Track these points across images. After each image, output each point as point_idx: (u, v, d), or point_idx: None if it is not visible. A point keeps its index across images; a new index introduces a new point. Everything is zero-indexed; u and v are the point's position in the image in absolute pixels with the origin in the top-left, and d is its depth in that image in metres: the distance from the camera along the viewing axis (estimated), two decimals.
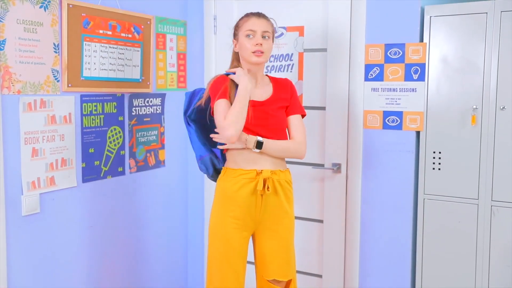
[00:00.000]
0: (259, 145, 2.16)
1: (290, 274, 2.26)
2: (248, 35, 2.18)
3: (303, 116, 2.32)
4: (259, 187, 2.15)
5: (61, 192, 2.45)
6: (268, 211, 2.21)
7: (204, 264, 3.30)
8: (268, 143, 2.17)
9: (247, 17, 2.24)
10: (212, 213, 2.27)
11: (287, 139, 2.27)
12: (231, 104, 2.13)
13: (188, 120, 2.39)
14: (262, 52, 2.17)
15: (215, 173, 2.38)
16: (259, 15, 2.25)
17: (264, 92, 2.26)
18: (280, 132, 2.25)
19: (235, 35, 2.27)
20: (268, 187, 2.16)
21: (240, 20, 2.27)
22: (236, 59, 2.31)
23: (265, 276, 2.26)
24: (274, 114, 2.22)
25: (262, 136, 2.18)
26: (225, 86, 2.17)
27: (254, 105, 2.18)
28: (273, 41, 2.28)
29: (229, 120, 2.07)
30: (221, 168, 2.32)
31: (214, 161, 2.37)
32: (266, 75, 2.36)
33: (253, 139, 2.16)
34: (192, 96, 2.39)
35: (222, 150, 2.30)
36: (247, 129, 2.16)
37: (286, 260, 2.25)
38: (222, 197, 2.23)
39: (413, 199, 2.71)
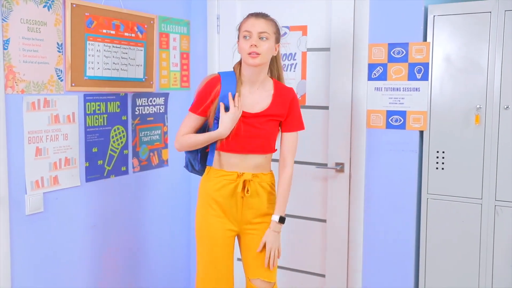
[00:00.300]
0: (282, 220, 2.23)
1: (273, 276, 2.26)
2: (245, 36, 2.13)
3: (302, 129, 2.28)
4: (238, 189, 2.19)
5: (64, 191, 2.46)
6: (249, 213, 2.24)
7: None
8: (283, 209, 2.24)
9: (247, 17, 2.18)
10: (197, 212, 2.31)
11: (272, 148, 2.25)
12: (204, 119, 2.21)
13: None
14: (257, 54, 2.09)
15: (194, 170, 2.41)
16: (257, 15, 2.17)
17: (260, 101, 2.20)
18: (267, 144, 2.23)
19: (237, 36, 2.23)
20: (247, 190, 2.19)
21: (241, 21, 2.23)
22: (239, 61, 2.27)
23: (248, 276, 2.27)
24: (262, 128, 2.18)
25: (249, 148, 2.18)
26: (210, 101, 2.17)
27: (244, 116, 2.16)
28: (277, 42, 2.20)
29: (184, 142, 2.22)
30: (199, 169, 2.35)
31: (192, 162, 2.37)
32: (272, 78, 2.27)
33: (276, 218, 2.21)
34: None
35: (204, 149, 2.30)
36: (237, 135, 2.16)
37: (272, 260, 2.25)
38: (204, 195, 2.26)
39: (417, 198, 2.70)
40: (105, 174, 2.67)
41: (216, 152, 2.24)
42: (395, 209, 2.71)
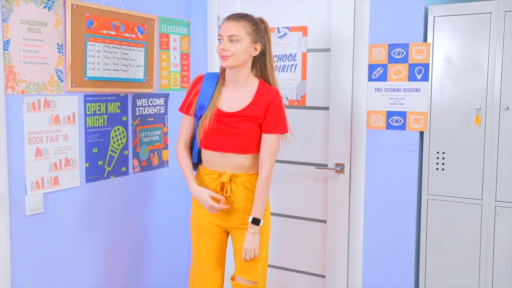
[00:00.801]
0: (256, 221, 2.22)
1: (254, 275, 2.27)
2: (218, 39, 2.18)
3: (283, 132, 2.27)
4: (217, 188, 2.25)
5: (64, 192, 2.46)
6: (235, 211, 2.28)
7: None
8: (259, 211, 2.22)
9: (225, 20, 2.20)
10: (191, 208, 2.42)
11: (254, 148, 2.25)
12: (192, 124, 2.30)
13: None
14: (227, 56, 2.12)
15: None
16: (230, 18, 2.18)
17: (240, 102, 2.22)
18: (245, 144, 2.23)
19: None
20: (226, 191, 2.23)
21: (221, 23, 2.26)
22: None
23: (234, 273, 2.32)
24: (237, 127, 2.20)
25: (225, 147, 2.22)
26: (191, 98, 2.27)
27: (218, 115, 2.20)
28: (255, 42, 2.18)
29: (177, 157, 2.35)
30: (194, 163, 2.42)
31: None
32: (259, 80, 2.28)
33: (249, 219, 2.23)
34: None
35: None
36: (211, 133, 2.21)
37: (250, 260, 2.26)
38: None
39: (417, 199, 2.70)
40: (105, 175, 2.67)
41: (201, 150, 2.33)
42: (395, 210, 2.71)
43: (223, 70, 2.28)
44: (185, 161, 2.34)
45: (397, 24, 2.65)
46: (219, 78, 2.28)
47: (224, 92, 2.25)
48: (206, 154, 2.30)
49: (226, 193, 2.23)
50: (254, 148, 2.25)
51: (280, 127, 2.24)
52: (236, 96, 2.24)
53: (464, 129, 2.61)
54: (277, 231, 3.07)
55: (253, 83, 2.26)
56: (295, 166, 3.00)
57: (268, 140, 2.23)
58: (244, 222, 2.26)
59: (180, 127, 2.36)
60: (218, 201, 2.21)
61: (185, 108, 2.31)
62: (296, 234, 3.03)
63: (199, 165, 2.37)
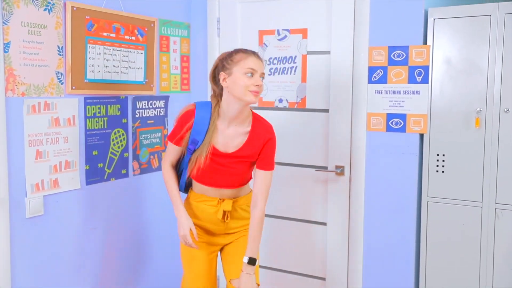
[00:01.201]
0: (252, 262, 2.17)
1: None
2: (247, 73, 2.05)
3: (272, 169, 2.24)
4: (219, 215, 2.22)
5: (64, 194, 2.46)
6: (230, 230, 2.28)
7: None
8: (255, 251, 2.18)
9: (245, 54, 2.09)
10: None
11: (248, 178, 2.26)
12: (181, 150, 2.22)
13: None
14: (259, 93, 2.07)
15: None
16: (257, 55, 2.11)
17: (235, 139, 2.15)
18: (240, 179, 2.22)
19: (225, 69, 2.10)
20: (227, 217, 2.22)
21: (236, 54, 2.11)
22: (214, 91, 2.19)
23: (230, 277, 2.28)
24: (233, 167, 2.17)
25: (221, 184, 2.19)
26: (183, 132, 2.15)
27: (213, 154, 2.13)
28: None
29: (164, 177, 2.28)
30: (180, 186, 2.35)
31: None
32: (253, 113, 2.21)
33: (245, 260, 2.16)
34: None
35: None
36: (205, 171, 2.15)
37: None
38: (200, 218, 2.29)
39: (417, 201, 2.70)
40: (105, 177, 2.67)
41: (189, 179, 2.28)
42: (395, 212, 2.71)
43: (216, 102, 2.16)
44: (172, 181, 2.26)
45: (397, 26, 2.65)
46: (213, 111, 2.15)
47: (219, 127, 2.14)
48: (199, 186, 2.26)
49: (227, 219, 2.23)
50: (248, 179, 2.27)
51: (273, 163, 2.22)
52: (231, 133, 2.15)
53: (464, 131, 2.61)
54: (277, 233, 3.07)
55: (248, 119, 2.18)
56: (295, 168, 3.00)
57: (262, 176, 2.18)
58: (236, 231, 2.29)
59: (167, 150, 2.27)
60: (192, 236, 2.20)
61: (175, 140, 2.19)
62: (296, 237, 3.03)
63: (191, 190, 2.32)
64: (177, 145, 2.21)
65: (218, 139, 2.14)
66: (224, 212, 2.22)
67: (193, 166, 2.16)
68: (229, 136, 2.15)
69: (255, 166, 2.21)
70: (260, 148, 2.16)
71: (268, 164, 2.19)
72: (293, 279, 3.06)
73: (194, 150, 2.16)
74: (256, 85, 2.05)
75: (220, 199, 2.22)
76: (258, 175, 2.19)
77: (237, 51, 2.13)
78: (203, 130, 2.12)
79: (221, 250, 2.37)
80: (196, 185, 2.28)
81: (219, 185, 2.21)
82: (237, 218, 2.27)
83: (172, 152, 2.25)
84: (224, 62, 2.11)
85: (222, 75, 2.10)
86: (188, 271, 2.31)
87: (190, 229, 2.18)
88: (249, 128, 2.16)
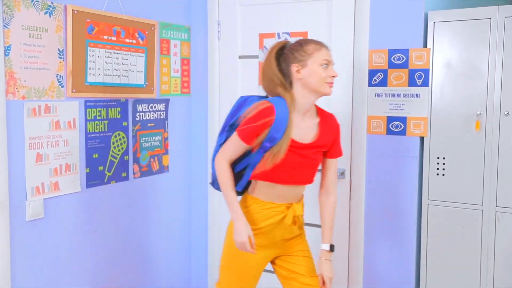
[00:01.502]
0: (332, 248, 2.20)
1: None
2: (323, 65, 2.03)
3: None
4: (287, 221, 2.13)
5: (65, 197, 2.46)
6: (290, 236, 2.20)
7: (207, 270, 3.29)
8: (331, 237, 2.23)
9: (318, 45, 2.07)
10: (229, 240, 2.17)
11: (314, 176, 2.19)
12: (245, 149, 2.08)
13: (229, 127, 2.19)
14: (333, 84, 2.07)
15: (218, 188, 2.25)
16: (327, 46, 2.10)
17: (309, 131, 2.11)
18: (312, 174, 2.17)
19: (298, 60, 2.05)
20: (295, 222, 2.16)
21: (307, 45, 2.07)
22: (283, 85, 2.09)
23: (314, 283, 2.19)
24: (312, 157, 2.12)
25: (300, 179, 2.13)
26: (260, 131, 2.03)
27: (295, 147, 2.06)
28: None
29: (219, 174, 2.10)
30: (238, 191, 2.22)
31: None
32: (315, 104, 2.17)
33: (326, 247, 2.19)
34: (242, 104, 2.22)
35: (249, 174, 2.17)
36: (281, 166, 2.05)
37: (312, 261, 2.25)
38: (259, 223, 2.15)
39: (417, 204, 2.70)
40: (105, 180, 2.67)
41: (260, 183, 2.14)
42: (395, 215, 2.71)
43: (291, 97, 2.07)
44: (231, 181, 2.11)
45: (397, 29, 2.65)
46: (289, 106, 2.05)
47: (294, 121, 2.06)
48: (266, 187, 2.12)
49: (295, 224, 2.16)
50: (314, 176, 2.20)
51: (341, 150, 2.24)
52: (305, 126, 2.10)
53: (464, 134, 2.61)
54: None
55: (314, 109, 2.16)
56: None
57: (334, 165, 2.21)
58: (297, 243, 2.22)
59: (229, 145, 2.11)
60: (251, 244, 2.08)
61: (248, 138, 2.05)
62: None
63: (251, 197, 2.17)
64: (247, 143, 2.06)
65: (295, 132, 2.07)
66: (294, 218, 2.15)
67: (269, 163, 2.05)
68: (304, 129, 2.10)
69: (326, 155, 2.19)
70: (332, 137, 2.17)
71: (338, 151, 2.21)
72: None
73: (269, 148, 2.05)
74: (333, 76, 2.05)
75: (288, 205, 2.14)
76: (330, 164, 2.20)
77: (306, 42, 2.10)
78: (283, 127, 2.02)
79: (282, 265, 2.25)
80: (262, 191, 2.14)
81: (297, 181, 2.13)
82: (298, 227, 2.21)
83: (235, 149, 2.10)
84: (296, 53, 2.07)
85: (295, 67, 2.05)
86: (236, 279, 2.20)
87: (249, 237, 2.06)
88: (318, 119, 2.15)
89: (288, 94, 2.07)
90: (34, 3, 2.24)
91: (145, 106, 2.91)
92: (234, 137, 2.09)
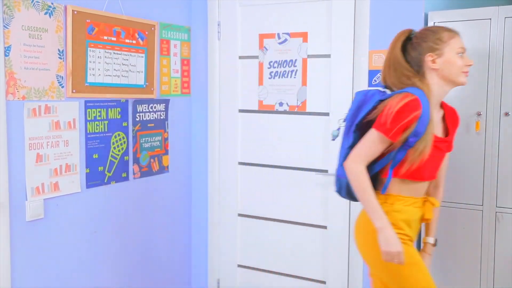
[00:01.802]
0: (436, 242, 2.18)
1: None
2: (459, 53, 1.94)
3: None
4: (428, 216, 2.04)
5: (65, 197, 2.46)
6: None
7: (207, 270, 3.29)
8: (436, 228, 2.19)
9: (451, 32, 1.97)
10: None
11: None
12: (385, 147, 1.94)
13: (354, 127, 2.03)
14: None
15: (347, 195, 2.13)
16: (459, 34, 2.00)
17: (438, 124, 2.02)
18: (439, 168, 2.11)
19: (433, 49, 1.95)
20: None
21: (442, 33, 1.96)
22: (418, 75, 1.97)
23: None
24: (445, 151, 2.04)
25: (435, 174, 2.06)
26: (406, 125, 1.87)
27: (438, 141, 1.95)
28: None
29: (357, 178, 1.93)
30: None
31: (350, 186, 2.04)
32: None
33: (432, 241, 2.17)
34: (363, 102, 2.04)
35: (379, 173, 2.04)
36: (428, 162, 1.94)
37: None
38: (404, 226, 2.02)
39: None
40: (105, 181, 2.67)
41: (399, 180, 1.99)
42: None
43: (428, 88, 1.95)
44: (371, 187, 1.94)
45: (398, 30, 2.62)
46: (428, 98, 1.92)
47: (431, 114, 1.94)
48: (410, 186, 2.00)
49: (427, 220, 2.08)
50: None
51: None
52: (437, 118, 2.01)
53: (464, 135, 2.61)
54: (278, 236, 3.06)
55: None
56: (295, 171, 2.99)
57: (447, 158, 2.13)
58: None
59: (366, 146, 1.94)
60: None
61: (394, 134, 1.88)
62: (296, 240, 3.02)
63: (391, 195, 2.00)
64: (393, 140, 1.89)
65: (434, 126, 1.95)
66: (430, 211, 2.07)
67: (417, 159, 1.91)
68: (437, 122, 2.00)
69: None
70: (455, 131, 2.09)
71: (452, 145, 2.09)
72: (294, 282, 3.05)
73: (414, 144, 1.91)
74: (469, 64, 1.97)
75: (424, 198, 2.06)
76: (446, 160, 2.13)
77: (438, 29, 1.99)
78: (427, 120, 1.89)
79: None
80: (403, 187, 2.00)
81: (433, 176, 2.06)
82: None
83: (375, 149, 1.94)
84: (430, 42, 1.96)
85: (430, 56, 1.95)
86: (425, 271, 2.02)
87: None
88: (442, 111, 2.06)
89: (426, 85, 1.96)
90: (34, 4, 2.24)
91: (145, 106, 2.91)
92: (374, 135, 1.92)
